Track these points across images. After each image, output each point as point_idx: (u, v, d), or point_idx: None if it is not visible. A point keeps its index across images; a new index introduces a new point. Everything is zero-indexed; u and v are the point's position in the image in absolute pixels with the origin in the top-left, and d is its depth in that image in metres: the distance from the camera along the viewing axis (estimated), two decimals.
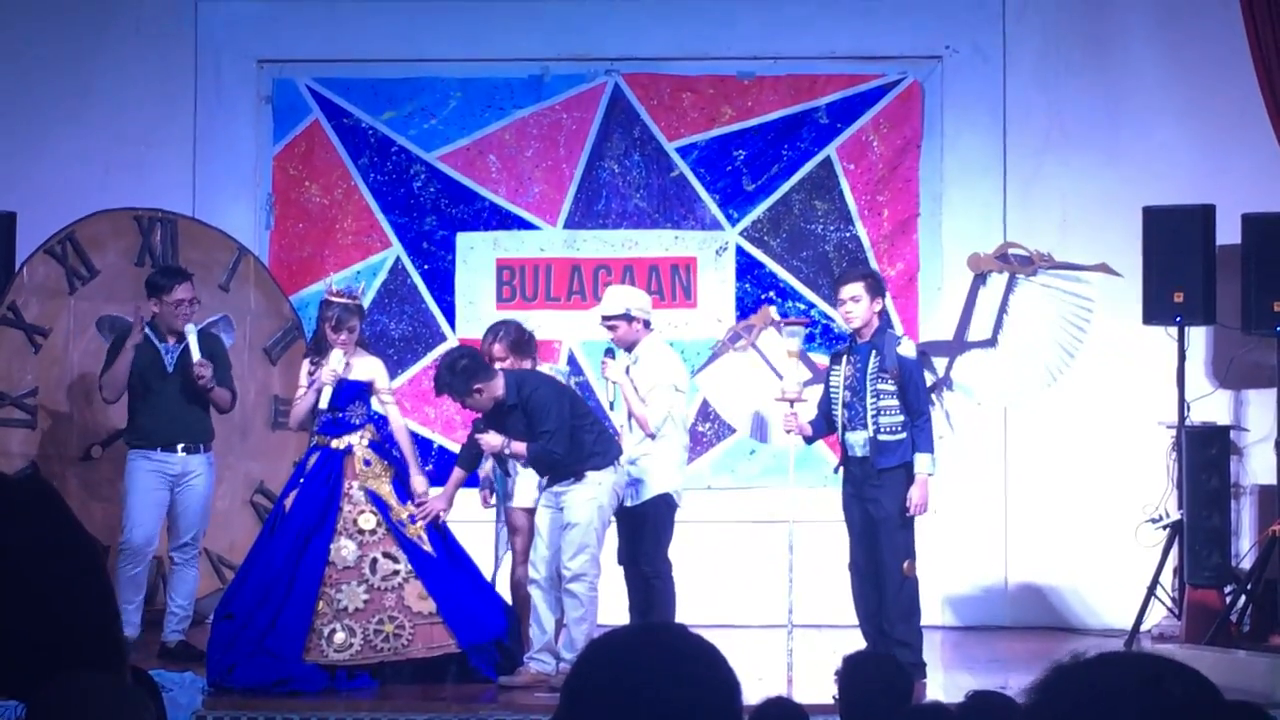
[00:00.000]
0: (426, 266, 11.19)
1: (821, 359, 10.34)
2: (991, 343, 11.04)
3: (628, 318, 8.91)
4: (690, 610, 8.94)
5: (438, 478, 9.87)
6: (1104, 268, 10.86)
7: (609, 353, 9.03)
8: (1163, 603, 10.23)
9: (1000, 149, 10.99)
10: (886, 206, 11.09)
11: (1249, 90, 10.14)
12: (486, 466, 9.05)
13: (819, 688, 7.46)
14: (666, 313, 10.79)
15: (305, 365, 8.87)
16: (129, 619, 8.62)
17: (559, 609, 8.48)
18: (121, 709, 2.30)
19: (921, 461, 8.67)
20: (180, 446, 9.05)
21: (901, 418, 8.69)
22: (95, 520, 9.38)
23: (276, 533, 8.57)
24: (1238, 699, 3.38)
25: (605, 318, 8.98)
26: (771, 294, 11.10)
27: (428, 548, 8.59)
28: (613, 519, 8.70)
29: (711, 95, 11.15)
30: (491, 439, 8.49)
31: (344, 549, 8.51)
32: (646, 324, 8.99)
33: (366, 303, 10.03)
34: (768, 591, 9.92)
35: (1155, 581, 10.11)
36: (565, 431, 8.39)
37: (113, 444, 9.90)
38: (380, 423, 8.98)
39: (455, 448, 10.48)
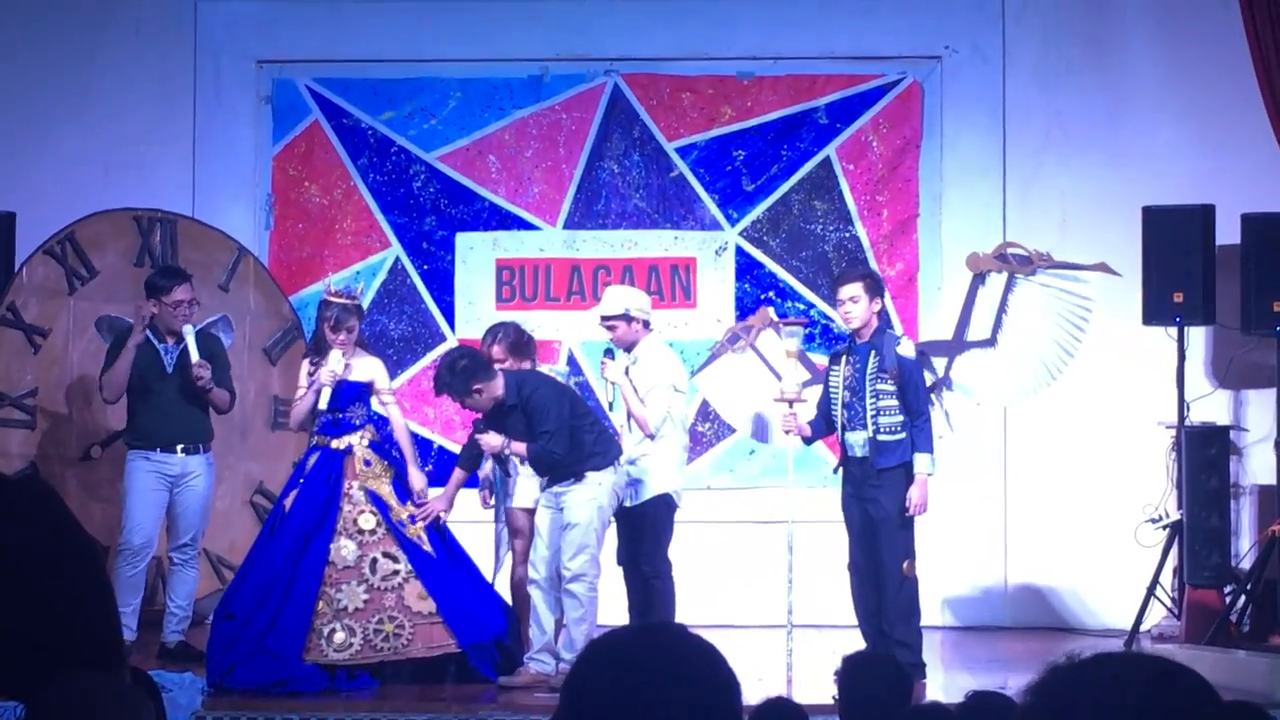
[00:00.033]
0: (426, 267, 11.19)
1: (821, 359, 10.34)
2: (991, 342, 11.04)
3: (627, 318, 8.91)
4: (690, 610, 8.94)
5: (437, 478, 9.87)
6: (1103, 267, 10.86)
7: (608, 353, 9.03)
8: (1162, 603, 10.23)
9: (1000, 149, 10.99)
10: (886, 206, 11.09)
11: (1249, 90, 10.14)
12: (486, 467, 9.05)
13: (819, 688, 7.45)
14: (666, 313, 10.79)
15: (305, 366, 8.87)
16: (125, 622, 8.60)
17: (559, 609, 8.48)
18: (121, 709, 2.30)
19: (921, 461, 8.67)
20: (179, 447, 9.05)
21: (901, 418, 8.69)
22: (94, 521, 9.38)
23: (276, 533, 8.57)
24: (1237, 699, 3.38)
25: (604, 318, 8.98)
26: (771, 294, 11.10)
27: (427, 548, 8.59)
28: (612, 519, 8.70)
29: (711, 95, 11.15)
30: (491, 439, 8.49)
31: (344, 549, 8.52)
32: (646, 324, 8.99)
33: (366, 303, 10.03)
34: (767, 592, 9.92)
35: (1155, 582, 10.11)
36: (565, 432, 8.39)
37: (112, 444, 9.90)
38: (380, 423, 8.98)
39: (455, 448, 10.49)
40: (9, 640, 2.31)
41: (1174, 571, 10.24)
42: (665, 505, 8.87)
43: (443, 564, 8.60)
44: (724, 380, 11.08)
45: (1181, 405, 10.29)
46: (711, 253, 11.14)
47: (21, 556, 2.33)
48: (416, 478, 8.74)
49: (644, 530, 8.85)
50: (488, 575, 8.98)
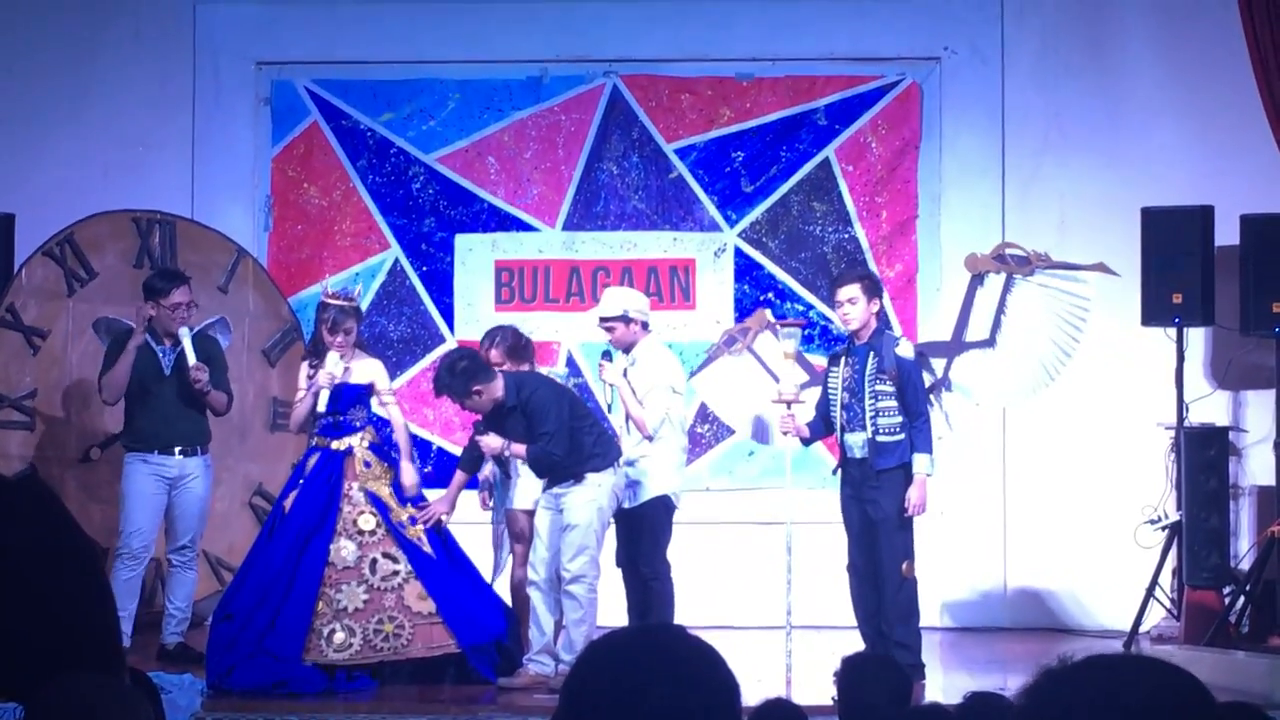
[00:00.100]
0: (425, 268, 11.19)
1: (819, 360, 10.34)
2: (989, 343, 11.04)
3: (625, 319, 8.91)
4: (689, 612, 8.94)
5: (437, 480, 9.88)
6: (1101, 267, 10.87)
7: (606, 355, 9.03)
8: (1162, 604, 10.23)
9: (999, 150, 10.99)
10: (885, 208, 11.09)
11: (1248, 91, 10.13)
12: (487, 469, 9.05)
13: (818, 689, 7.45)
14: (665, 314, 10.79)
15: (304, 368, 8.87)
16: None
17: (558, 610, 8.48)
18: (120, 710, 2.30)
19: (920, 462, 8.67)
20: (177, 449, 9.04)
21: (900, 419, 8.69)
22: (94, 522, 9.38)
23: (276, 533, 8.57)
24: (1236, 700, 3.38)
25: (603, 319, 8.97)
26: (770, 295, 11.10)
27: (427, 549, 8.59)
28: (612, 521, 8.70)
29: (710, 97, 11.16)
30: (491, 441, 8.49)
31: (344, 549, 8.52)
32: (644, 326, 8.99)
33: (365, 305, 10.03)
34: (766, 593, 9.92)
35: (1154, 582, 10.11)
36: (565, 433, 8.38)
37: (111, 446, 9.89)
38: (380, 425, 8.98)
39: (454, 450, 10.49)
40: (8, 641, 2.31)
41: (1173, 572, 10.24)
42: (664, 507, 8.87)
43: (442, 565, 8.60)
44: (722, 382, 11.08)
45: (1180, 406, 10.29)
46: (710, 254, 11.14)
47: (21, 557, 2.33)
48: (408, 474, 8.72)
49: (642, 532, 8.84)
50: (487, 577, 8.98)
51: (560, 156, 11.19)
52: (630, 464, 8.75)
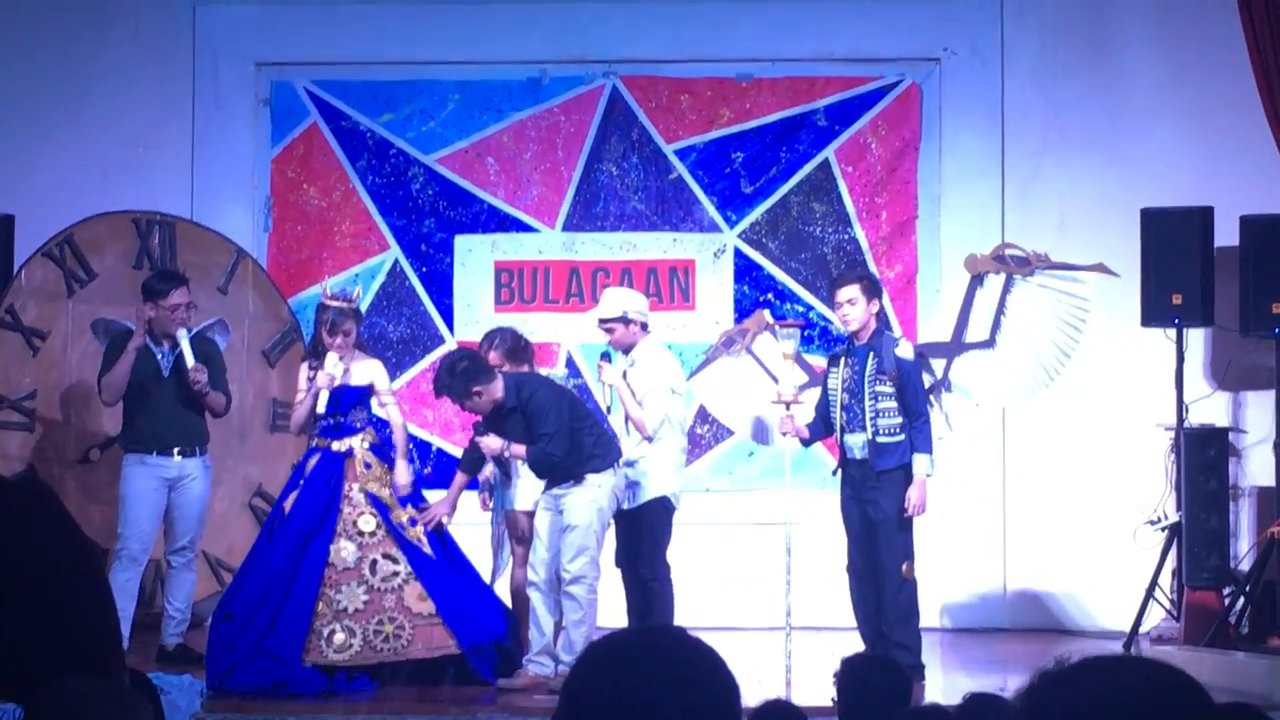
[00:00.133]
0: (425, 269, 11.19)
1: (819, 361, 10.34)
2: (989, 344, 11.04)
3: (625, 320, 8.90)
4: (689, 613, 8.94)
5: (437, 481, 9.88)
6: (1101, 268, 10.86)
7: (604, 356, 9.02)
8: (1161, 605, 10.23)
9: (998, 151, 10.99)
10: (885, 208, 11.09)
11: (1247, 92, 10.14)
12: (487, 470, 9.05)
13: (818, 690, 7.43)
14: (665, 315, 10.78)
15: (304, 369, 8.86)
16: None
17: (558, 611, 8.48)
18: (119, 711, 2.30)
19: (920, 462, 8.67)
20: (176, 450, 9.04)
21: (900, 420, 8.69)
22: (93, 523, 9.37)
23: (275, 534, 8.57)
24: (1235, 701, 3.38)
25: (602, 320, 8.97)
26: (770, 296, 11.10)
27: (427, 550, 8.59)
28: (611, 522, 8.70)
29: (710, 97, 11.15)
30: (491, 442, 8.49)
31: (344, 550, 8.52)
32: (644, 326, 8.99)
33: (364, 305, 10.03)
34: (766, 594, 9.91)
35: (1154, 583, 10.11)
36: (565, 434, 8.38)
37: (111, 447, 9.89)
38: (380, 426, 8.97)
39: (454, 450, 10.49)
40: (8, 642, 2.31)
41: (1173, 573, 10.24)
42: (663, 508, 8.87)
43: (442, 566, 8.60)
44: (721, 383, 11.08)
45: (1180, 407, 10.29)
46: (710, 255, 11.14)
47: (21, 558, 2.33)
48: (402, 473, 8.71)
49: (642, 533, 8.84)
50: (486, 578, 8.98)
51: (560, 157, 11.19)
52: (630, 465, 8.75)
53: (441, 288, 11.18)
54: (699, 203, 11.14)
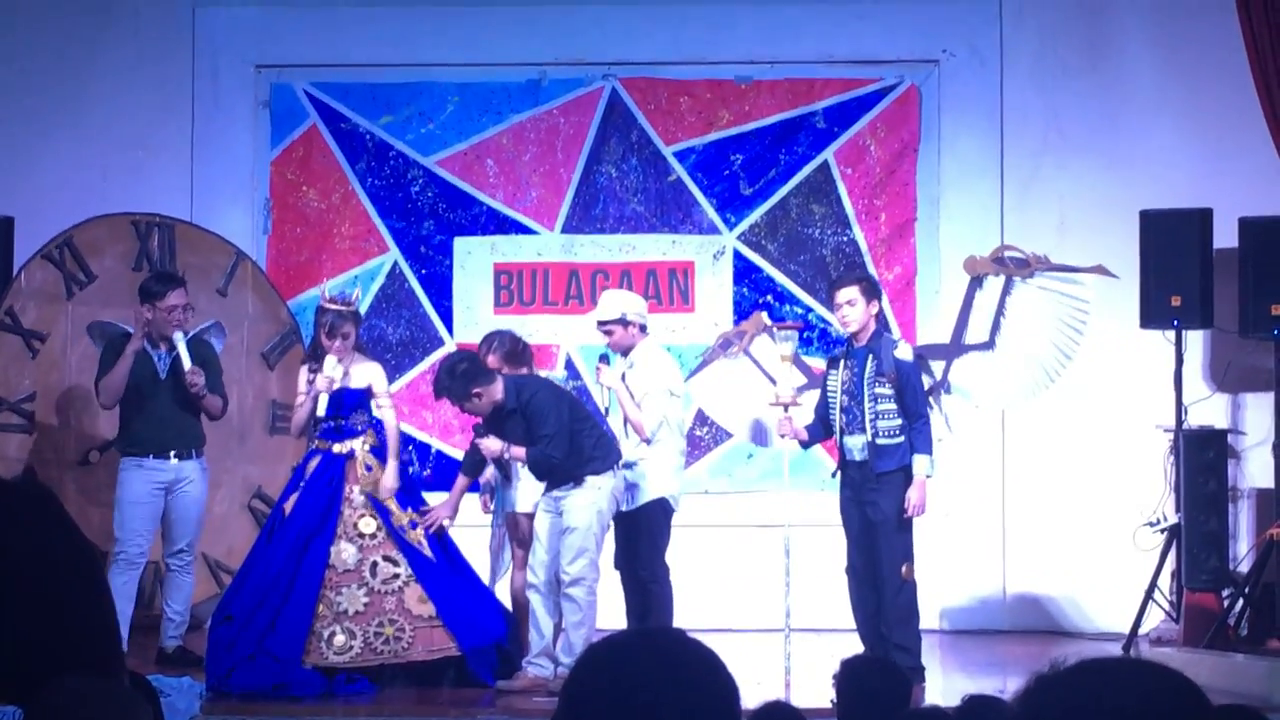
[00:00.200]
0: (424, 271, 11.19)
1: (818, 363, 10.34)
2: (989, 345, 11.04)
3: (624, 322, 8.91)
4: (688, 615, 8.94)
5: (437, 484, 9.88)
6: (1100, 269, 10.87)
7: (603, 358, 9.02)
8: (1160, 606, 10.22)
9: (998, 152, 11.00)
10: (884, 210, 11.09)
11: (1246, 94, 10.13)
12: (488, 472, 9.04)
13: (817, 692, 7.43)
14: (664, 317, 10.79)
15: (303, 372, 8.86)
16: None
17: (557, 613, 8.48)
18: (119, 712, 2.30)
19: (920, 463, 8.67)
20: (173, 453, 9.04)
21: (899, 421, 8.69)
22: (93, 525, 9.37)
23: (275, 535, 8.57)
24: (1234, 702, 3.39)
25: (601, 323, 8.97)
26: (769, 298, 11.10)
27: (427, 552, 8.60)
28: (611, 523, 8.70)
29: (709, 99, 11.16)
30: (491, 444, 8.49)
31: (344, 552, 8.52)
32: (643, 329, 8.99)
33: (364, 307, 10.02)
34: (765, 596, 9.90)
35: (1153, 585, 10.11)
36: (564, 436, 8.38)
37: (110, 449, 9.89)
38: (381, 428, 8.96)
39: (453, 453, 10.49)
40: (8, 643, 2.31)
41: (1172, 575, 10.24)
42: (662, 510, 8.87)
43: (442, 568, 8.60)
44: (718, 386, 11.08)
45: (1179, 408, 10.29)
46: (709, 257, 11.14)
47: (20, 559, 2.33)
48: (390, 475, 8.69)
49: (641, 535, 8.84)
50: (486, 580, 8.98)
51: (559, 159, 11.19)
52: (629, 467, 8.75)
53: (441, 290, 11.18)
54: (698, 204, 11.14)
